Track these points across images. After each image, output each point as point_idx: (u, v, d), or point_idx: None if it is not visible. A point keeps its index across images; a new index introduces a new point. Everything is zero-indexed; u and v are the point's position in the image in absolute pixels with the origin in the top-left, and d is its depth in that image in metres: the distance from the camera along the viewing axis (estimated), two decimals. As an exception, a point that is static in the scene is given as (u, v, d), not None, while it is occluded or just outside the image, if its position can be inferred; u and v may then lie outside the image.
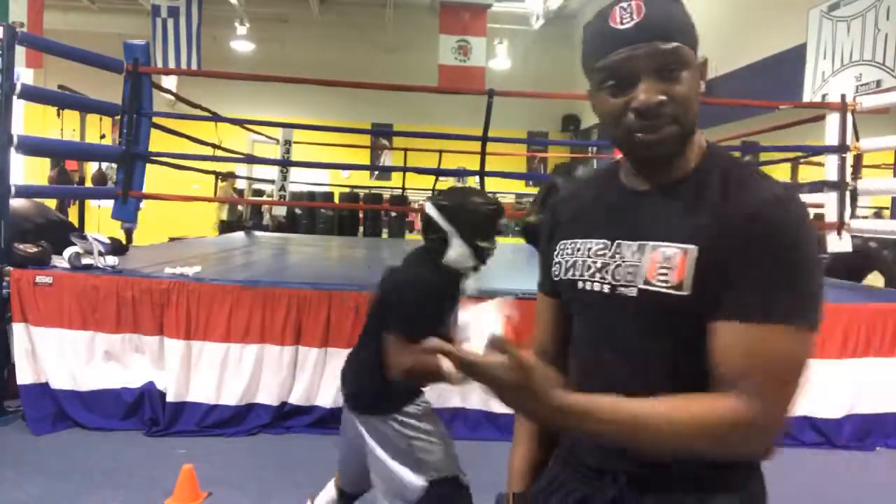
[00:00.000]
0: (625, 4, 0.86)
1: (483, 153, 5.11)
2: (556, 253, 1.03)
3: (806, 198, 6.33)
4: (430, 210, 1.91)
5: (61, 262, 3.68)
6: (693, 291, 0.84)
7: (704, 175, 0.90)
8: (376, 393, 1.90)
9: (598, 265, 0.94)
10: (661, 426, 0.80)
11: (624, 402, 0.82)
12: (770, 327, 0.79)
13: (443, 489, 1.88)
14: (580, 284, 0.97)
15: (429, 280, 1.86)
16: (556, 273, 1.02)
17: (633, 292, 0.89)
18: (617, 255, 0.92)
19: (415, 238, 9.93)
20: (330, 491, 2.25)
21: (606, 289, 0.93)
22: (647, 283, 0.88)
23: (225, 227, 10.04)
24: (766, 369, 0.79)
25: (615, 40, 0.86)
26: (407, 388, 1.92)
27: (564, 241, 1.02)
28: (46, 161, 9.60)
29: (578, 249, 0.98)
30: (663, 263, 0.87)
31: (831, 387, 3.66)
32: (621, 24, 0.85)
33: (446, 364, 0.83)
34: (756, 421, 0.80)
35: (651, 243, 0.89)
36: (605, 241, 0.95)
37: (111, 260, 3.79)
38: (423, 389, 2.02)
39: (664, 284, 0.86)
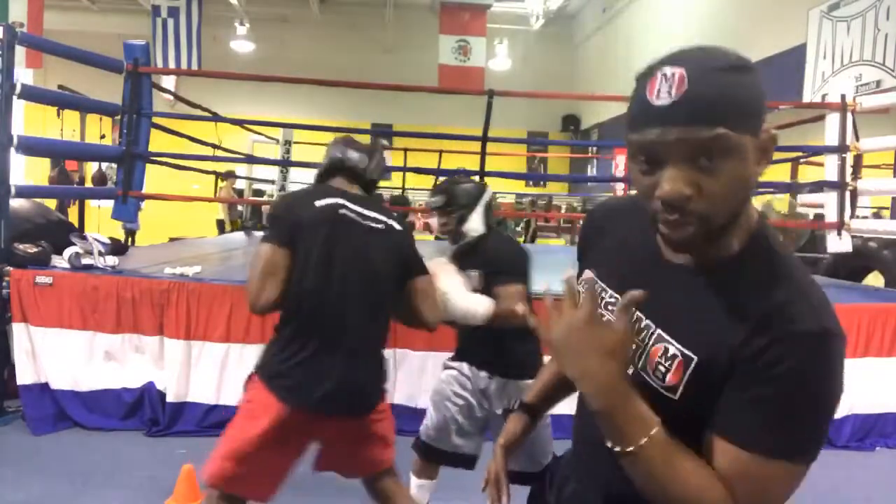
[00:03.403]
0: (667, 72, 0.75)
1: (483, 153, 5.10)
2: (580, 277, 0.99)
3: (806, 198, 6.34)
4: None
5: (61, 262, 3.68)
6: (682, 399, 0.81)
7: (740, 266, 0.81)
8: None
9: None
10: (681, 475, 0.78)
11: (668, 435, 0.79)
12: (768, 462, 0.75)
13: None
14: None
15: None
16: None
17: (629, 370, 0.84)
18: None
19: (417, 237, 9.89)
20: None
21: None
22: (644, 369, 0.84)
23: (224, 226, 10.03)
24: (754, 499, 0.77)
25: (648, 116, 0.76)
26: None
27: (588, 270, 0.99)
28: (46, 161, 9.62)
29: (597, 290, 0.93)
30: (662, 360, 0.83)
31: (831, 387, 3.66)
32: (657, 97, 0.75)
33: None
34: None
35: (659, 331, 0.84)
36: (618, 297, 0.89)
37: (111, 260, 3.79)
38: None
39: (658, 381, 0.83)
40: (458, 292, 2.05)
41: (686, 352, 0.81)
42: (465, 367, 2.30)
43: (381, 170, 2.03)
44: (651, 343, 0.84)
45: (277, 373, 1.79)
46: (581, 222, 0.89)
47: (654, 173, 0.78)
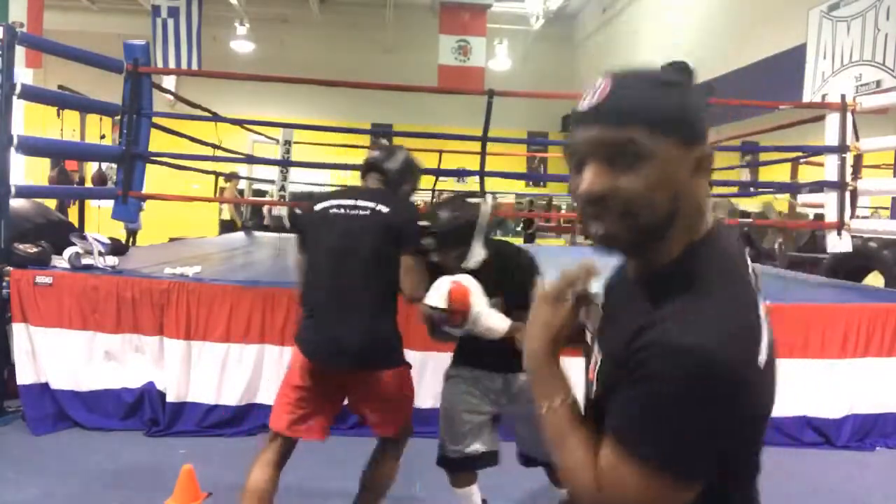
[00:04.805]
0: (598, 82, 0.82)
1: (483, 153, 5.11)
2: None
3: (806, 198, 6.34)
4: None
5: (61, 262, 3.68)
6: (595, 399, 0.90)
7: (668, 277, 0.82)
8: None
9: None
10: (567, 448, 0.85)
11: (571, 411, 0.87)
12: (630, 460, 0.76)
13: None
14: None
15: None
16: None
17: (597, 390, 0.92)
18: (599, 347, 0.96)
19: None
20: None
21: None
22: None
23: (227, 227, 10.03)
24: (608, 488, 0.79)
25: (575, 120, 0.84)
26: None
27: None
28: (46, 161, 9.61)
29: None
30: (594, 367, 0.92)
31: (831, 387, 3.67)
32: (583, 103, 0.82)
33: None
34: None
35: (604, 341, 0.92)
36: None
37: (111, 260, 3.79)
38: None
39: (593, 388, 0.92)
40: (484, 311, 2.03)
41: (599, 354, 0.91)
42: (466, 371, 2.30)
43: (402, 165, 2.35)
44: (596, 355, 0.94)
45: (297, 332, 2.28)
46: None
47: (580, 174, 0.83)
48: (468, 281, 2.06)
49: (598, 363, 0.90)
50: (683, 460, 0.75)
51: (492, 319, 2.04)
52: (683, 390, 0.72)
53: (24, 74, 7.54)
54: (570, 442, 0.85)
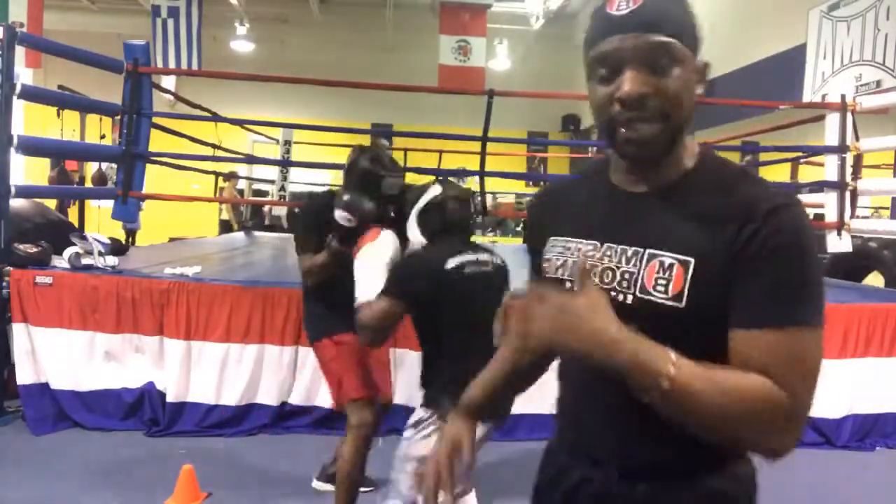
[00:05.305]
0: None
1: (483, 153, 5.11)
2: (546, 249, 1.01)
3: (806, 198, 6.34)
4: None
5: (61, 262, 3.68)
6: (688, 303, 0.84)
7: (699, 178, 0.90)
8: None
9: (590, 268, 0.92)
10: (722, 390, 0.78)
11: (689, 363, 0.78)
12: (793, 330, 0.80)
13: None
14: (568, 285, 0.94)
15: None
16: (547, 270, 0.99)
17: (629, 299, 0.87)
18: (608, 258, 0.91)
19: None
20: None
21: None
22: (644, 291, 0.86)
23: (227, 227, 10.03)
24: (795, 369, 0.80)
25: (609, 27, 0.85)
26: None
27: (556, 238, 1.00)
28: (46, 161, 9.60)
29: (569, 249, 0.96)
30: (661, 274, 0.86)
31: (831, 387, 3.66)
32: (617, 10, 0.84)
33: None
34: (790, 409, 0.79)
35: (649, 251, 0.87)
36: (596, 242, 0.93)
37: (111, 260, 3.79)
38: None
39: (662, 295, 0.85)
40: (365, 270, 1.99)
41: (681, 257, 0.85)
42: None
43: (348, 164, 2.49)
44: (645, 264, 0.88)
45: None
46: (525, 219, 0.95)
47: (613, 81, 0.85)
48: (386, 236, 2.10)
49: (689, 279, 0.83)
50: (824, 302, 0.85)
51: (361, 285, 1.95)
52: (811, 233, 0.83)
53: (24, 74, 7.54)
54: (716, 374, 0.78)
